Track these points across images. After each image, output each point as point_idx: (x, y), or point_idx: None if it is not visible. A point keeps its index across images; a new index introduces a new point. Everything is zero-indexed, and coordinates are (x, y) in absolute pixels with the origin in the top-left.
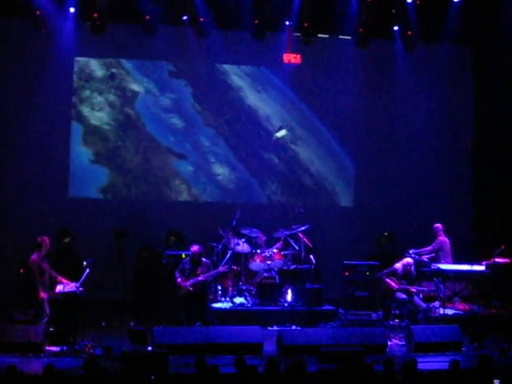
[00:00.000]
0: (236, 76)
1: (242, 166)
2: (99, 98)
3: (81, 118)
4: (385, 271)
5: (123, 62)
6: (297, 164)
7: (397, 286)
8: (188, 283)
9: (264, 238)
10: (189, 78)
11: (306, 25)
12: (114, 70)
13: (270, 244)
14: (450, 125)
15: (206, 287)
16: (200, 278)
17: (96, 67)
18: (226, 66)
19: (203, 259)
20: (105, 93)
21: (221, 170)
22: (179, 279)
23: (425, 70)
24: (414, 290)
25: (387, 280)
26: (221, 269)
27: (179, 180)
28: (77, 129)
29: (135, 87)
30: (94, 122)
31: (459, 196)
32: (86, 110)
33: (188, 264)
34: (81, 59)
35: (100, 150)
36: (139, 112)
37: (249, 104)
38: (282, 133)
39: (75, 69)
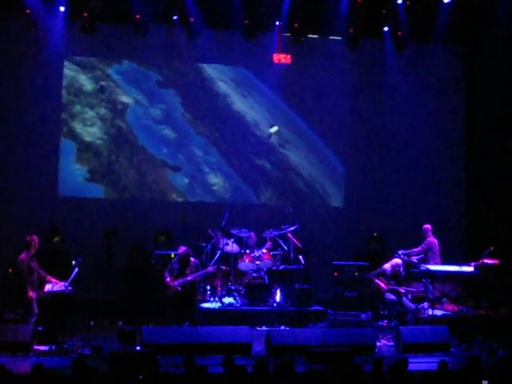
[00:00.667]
0: (222, 82)
1: (235, 173)
2: (90, 113)
3: (73, 135)
4: (374, 272)
5: (111, 73)
6: (287, 166)
7: (386, 287)
8: (176, 283)
9: (255, 238)
10: (177, 87)
11: (296, 25)
12: (103, 83)
13: (259, 244)
14: (441, 125)
15: (194, 287)
16: (188, 278)
17: (85, 81)
18: (211, 72)
19: (192, 259)
20: (95, 107)
21: (215, 180)
22: (168, 279)
23: (415, 70)
24: (402, 290)
25: (376, 281)
26: (209, 269)
27: (176, 193)
28: (69, 146)
29: (125, 99)
30: (87, 138)
31: (449, 197)
32: (78, 127)
33: (176, 264)
34: (69, 73)
35: (94, 166)
36: (131, 124)
37: (237, 110)
38: (274, 129)
39: (64, 83)
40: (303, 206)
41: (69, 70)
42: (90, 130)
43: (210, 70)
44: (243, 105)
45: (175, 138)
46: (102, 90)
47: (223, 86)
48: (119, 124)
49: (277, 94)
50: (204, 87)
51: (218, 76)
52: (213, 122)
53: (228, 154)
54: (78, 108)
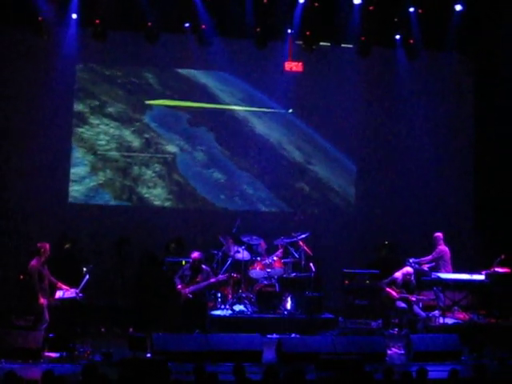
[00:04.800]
0: (236, 106)
1: (282, 203)
2: (148, 172)
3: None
4: (385, 281)
5: (148, 121)
6: (301, 174)
7: (397, 295)
8: (188, 290)
9: (265, 246)
10: (206, 123)
11: (307, 33)
12: (146, 136)
13: (269, 252)
14: (451, 133)
15: (205, 294)
16: (201, 285)
17: (130, 137)
18: (224, 97)
19: (203, 266)
20: (150, 164)
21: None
22: (179, 286)
23: (427, 78)
24: (413, 298)
25: (387, 289)
26: (221, 277)
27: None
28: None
29: (170, 148)
30: (156, 202)
31: (460, 205)
32: (143, 191)
33: (188, 271)
34: (110, 130)
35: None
36: (184, 175)
37: (259, 133)
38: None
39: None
40: (314, 213)
41: (110, 127)
42: (155, 192)
43: (223, 95)
44: (263, 126)
45: (225, 180)
46: (148, 144)
47: (240, 111)
48: (177, 178)
49: (288, 102)
50: (226, 115)
51: (232, 100)
52: (247, 152)
53: (272, 185)
54: (136, 169)
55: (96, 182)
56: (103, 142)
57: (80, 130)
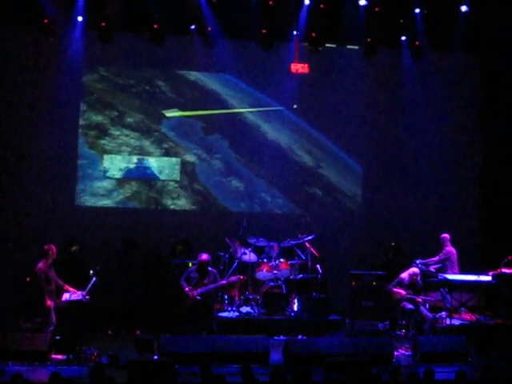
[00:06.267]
0: (247, 112)
1: (294, 206)
2: (171, 183)
3: None
4: (392, 283)
5: (166, 131)
6: (305, 174)
7: (405, 293)
8: (196, 292)
9: (278, 249)
10: (219, 130)
11: (313, 34)
12: (165, 146)
13: (281, 254)
14: (457, 134)
15: (212, 296)
16: (211, 287)
17: (151, 148)
18: (234, 102)
19: (209, 268)
20: (173, 174)
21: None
22: (187, 288)
23: (433, 79)
24: (419, 299)
25: (395, 289)
26: (232, 278)
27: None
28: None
29: (189, 158)
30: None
31: (467, 206)
32: (168, 203)
33: (195, 273)
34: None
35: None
36: (205, 184)
37: (272, 139)
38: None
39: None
40: (321, 215)
41: (131, 138)
42: (180, 203)
43: (231, 99)
44: (273, 131)
45: (244, 188)
46: (167, 153)
47: (251, 117)
48: (198, 188)
49: (294, 103)
50: (237, 121)
51: (240, 103)
52: (261, 158)
53: (285, 190)
54: (159, 181)
55: (123, 195)
56: (126, 154)
57: (102, 141)
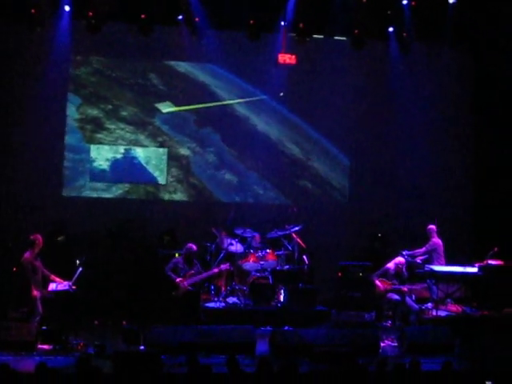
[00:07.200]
0: (237, 104)
1: (282, 197)
2: (168, 178)
3: None
4: (377, 272)
5: (159, 124)
6: (293, 166)
7: (384, 288)
8: (187, 283)
9: (260, 239)
10: (210, 124)
11: (301, 25)
12: (160, 139)
13: (264, 245)
14: (448, 126)
15: (202, 286)
16: (203, 276)
17: (146, 142)
18: (222, 94)
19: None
20: (169, 167)
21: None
22: (178, 279)
23: (421, 71)
24: (405, 289)
25: (376, 282)
26: (223, 266)
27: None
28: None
29: (183, 151)
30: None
31: (456, 198)
32: (166, 197)
33: (182, 264)
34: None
35: None
36: (200, 178)
37: (262, 131)
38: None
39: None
40: (308, 205)
41: (126, 132)
42: (177, 198)
43: (219, 90)
44: (263, 124)
45: (237, 181)
46: (162, 147)
47: (240, 109)
48: (193, 181)
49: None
50: (227, 114)
51: (228, 95)
52: (253, 152)
53: (279, 183)
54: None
55: (122, 189)
56: (121, 148)
57: (99, 135)
